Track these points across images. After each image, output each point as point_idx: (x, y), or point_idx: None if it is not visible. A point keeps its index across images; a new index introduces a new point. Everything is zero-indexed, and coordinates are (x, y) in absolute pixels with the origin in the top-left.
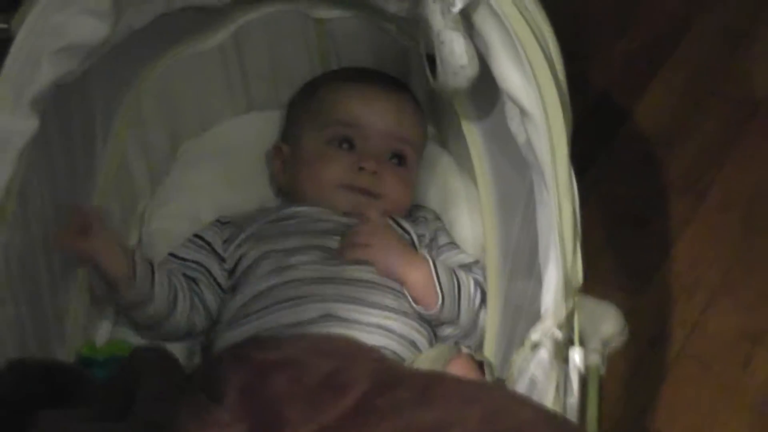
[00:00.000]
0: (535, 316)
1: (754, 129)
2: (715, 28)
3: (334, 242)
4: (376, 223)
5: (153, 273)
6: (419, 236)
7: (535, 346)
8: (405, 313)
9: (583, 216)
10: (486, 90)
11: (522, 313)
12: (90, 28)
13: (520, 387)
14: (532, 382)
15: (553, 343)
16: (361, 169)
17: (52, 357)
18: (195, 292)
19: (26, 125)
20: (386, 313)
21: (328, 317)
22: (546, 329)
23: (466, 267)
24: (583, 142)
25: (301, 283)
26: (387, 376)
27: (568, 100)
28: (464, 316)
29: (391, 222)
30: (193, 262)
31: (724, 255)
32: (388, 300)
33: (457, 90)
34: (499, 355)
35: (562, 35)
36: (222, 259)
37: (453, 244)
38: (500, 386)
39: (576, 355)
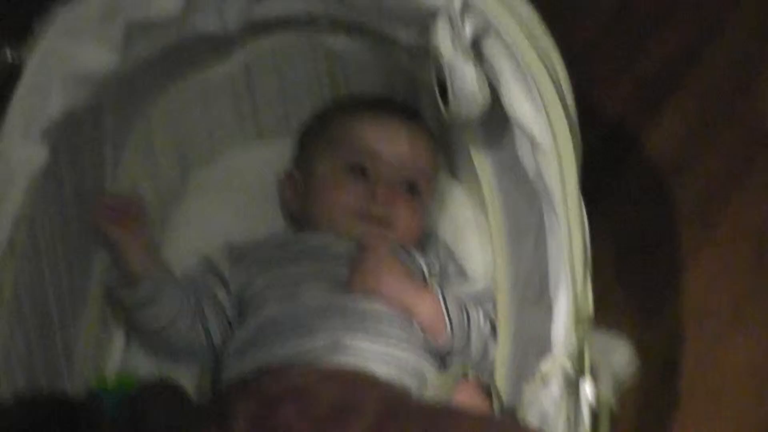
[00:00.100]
0: (546, 347)
1: (767, 158)
2: (727, 58)
3: (343, 270)
4: (384, 253)
5: (166, 279)
6: (429, 266)
7: (545, 378)
8: (413, 344)
9: (593, 246)
10: (496, 120)
11: (533, 343)
12: (101, 58)
13: (531, 419)
14: (543, 415)
15: (563, 375)
16: (374, 197)
17: (62, 390)
18: (198, 310)
19: (36, 155)
20: (394, 343)
21: (336, 346)
22: (556, 360)
23: (476, 297)
24: (594, 172)
25: (308, 313)
26: (395, 407)
27: (578, 130)
28: (473, 347)
29: (401, 251)
30: (201, 284)
31: (735, 285)
32: (397, 330)
33: (468, 119)
34: (509, 385)
35: (571, 65)
36: (228, 286)
37: (463, 275)
38: (509, 419)
39: (586, 387)
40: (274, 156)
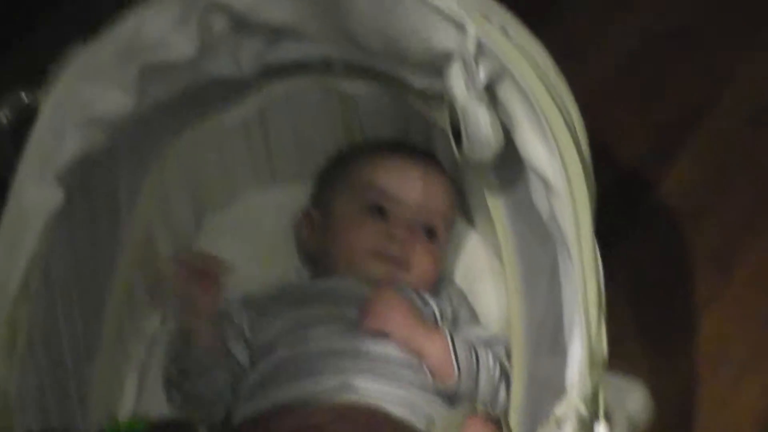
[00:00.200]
0: (560, 391)
1: None
2: (744, 103)
3: (355, 313)
4: (394, 294)
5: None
6: (441, 311)
7: (560, 421)
8: (423, 387)
9: (608, 290)
10: (510, 162)
11: (547, 386)
12: (116, 101)
13: None
14: None
15: (578, 418)
16: (391, 237)
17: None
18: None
19: (51, 198)
20: (404, 386)
21: (347, 387)
22: (570, 404)
23: (487, 341)
24: (609, 216)
25: (319, 354)
26: None
27: (592, 173)
28: (483, 391)
29: (414, 295)
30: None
31: (751, 331)
32: (406, 372)
33: (481, 162)
34: (523, 428)
35: (586, 108)
36: (245, 339)
37: (475, 320)
38: None
39: (601, 431)
40: (288, 199)
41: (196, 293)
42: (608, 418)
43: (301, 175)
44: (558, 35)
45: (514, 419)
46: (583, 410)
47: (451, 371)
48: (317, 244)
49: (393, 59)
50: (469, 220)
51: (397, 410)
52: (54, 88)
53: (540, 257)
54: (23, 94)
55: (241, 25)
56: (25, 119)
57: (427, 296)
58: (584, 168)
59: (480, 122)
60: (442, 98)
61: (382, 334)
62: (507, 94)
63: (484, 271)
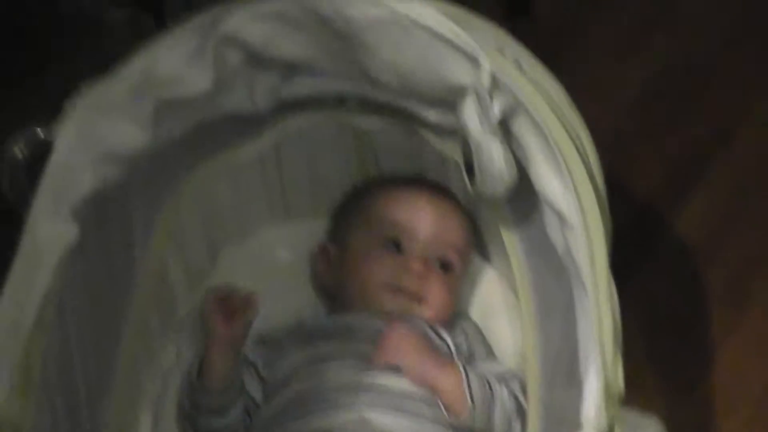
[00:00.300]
0: (576, 425)
1: None
2: (759, 137)
3: (369, 348)
4: (407, 328)
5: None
6: (456, 345)
7: None
8: (437, 421)
9: (624, 325)
10: (525, 196)
11: (563, 421)
12: (131, 136)
13: None
14: None
15: None
16: (408, 270)
17: None
18: None
19: (66, 233)
20: (418, 420)
21: (362, 422)
22: None
23: (501, 377)
24: (624, 249)
25: (333, 389)
26: None
27: (608, 207)
28: (497, 426)
29: (429, 329)
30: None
31: (767, 366)
32: (420, 406)
33: (494, 196)
34: None
35: (601, 143)
36: (261, 377)
37: (491, 355)
38: None
39: None
40: (302, 235)
41: (215, 324)
42: None
43: (315, 210)
44: (573, 69)
45: None
46: None
47: (466, 405)
48: (333, 279)
49: (407, 94)
50: (484, 255)
51: None
52: (69, 123)
53: (555, 291)
54: (38, 130)
55: (255, 60)
56: (40, 154)
57: (442, 330)
58: (599, 202)
59: (493, 157)
60: (456, 132)
61: (396, 369)
62: (521, 128)
63: (499, 306)
